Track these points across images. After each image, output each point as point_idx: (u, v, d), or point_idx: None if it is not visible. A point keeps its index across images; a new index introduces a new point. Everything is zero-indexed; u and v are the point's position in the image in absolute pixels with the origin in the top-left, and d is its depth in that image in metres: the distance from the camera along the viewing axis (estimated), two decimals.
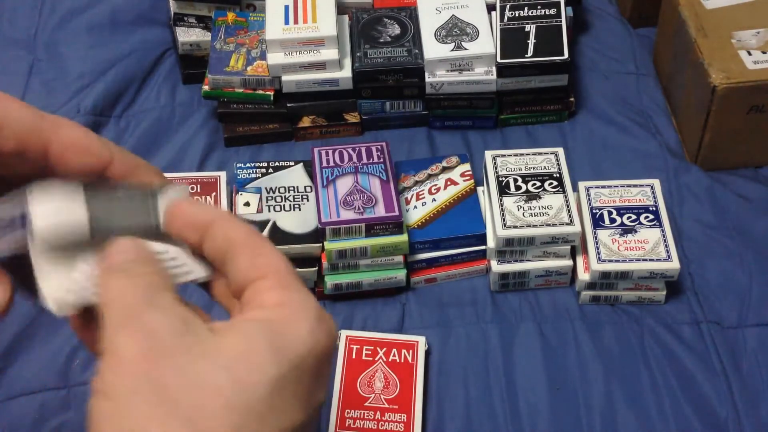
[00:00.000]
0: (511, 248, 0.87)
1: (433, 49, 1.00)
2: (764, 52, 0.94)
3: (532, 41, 1.00)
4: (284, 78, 1.01)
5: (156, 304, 0.39)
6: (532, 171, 0.90)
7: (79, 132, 0.46)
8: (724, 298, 0.88)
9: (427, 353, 0.85)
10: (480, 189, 0.94)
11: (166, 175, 0.95)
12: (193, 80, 1.09)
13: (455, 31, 1.02)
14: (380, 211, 0.85)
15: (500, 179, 0.90)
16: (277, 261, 0.43)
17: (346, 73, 1.01)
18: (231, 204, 0.92)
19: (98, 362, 0.39)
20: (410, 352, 0.84)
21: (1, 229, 0.43)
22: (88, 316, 0.45)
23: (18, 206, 0.43)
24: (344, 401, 0.80)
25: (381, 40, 1.03)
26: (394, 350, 0.84)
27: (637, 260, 0.85)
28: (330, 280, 0.87)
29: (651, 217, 0.88)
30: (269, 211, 0.88)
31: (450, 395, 0.82)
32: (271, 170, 0.93)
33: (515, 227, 0.85)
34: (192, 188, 0.94)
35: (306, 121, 1.03)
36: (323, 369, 0.41)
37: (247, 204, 0.89)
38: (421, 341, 0.84)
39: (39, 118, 0.45)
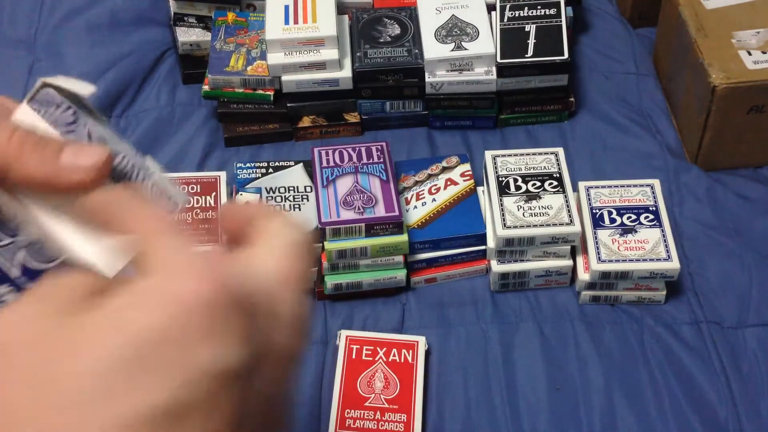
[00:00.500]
0: (511, 248, 0.87)
1: (433, 49, 1.00)
2: (764, 52, 0.94)
3: (532, 41, 1.00)
4: (284, 78, 1.01)
5: None
6: (532, 171, 0.90)
7: None
8: (724, 298, 0.88)
9: (427, 353, 0.85)
10: (480, 189, 0.94)
11: (166, 175, 0.95)
12: (193, 80, 1.09)
13: (455, 31, 1.02)
14: (380, 211, 0.86)
15: (500, 179, 0.90)
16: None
17: (346, 73, 1.01)
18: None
19: None
20: (410, 352, 0.84)
21: None
22: None
23: None
24: (344, 401, 0.80)
25: (381, 40, 1.03)
26: (394, 350, 0.84)
27: (637, 260, 0.85)
28: (330, 280, 0.87)
29: (651, 217, 0.88)
30: None
31: (450, 395, 0.82)
32: (271, 170, 0.93)
33: (515, 227, 0.85)
34: (192, 188, 0.94)
35: (306, 121, 1.03)
36: (201, 320, 0.31)
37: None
38: (421, 341, 0.84)
39: None
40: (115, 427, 0.30)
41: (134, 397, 0.30)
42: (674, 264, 0.85)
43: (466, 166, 0.95)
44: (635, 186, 0.91)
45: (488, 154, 0.92)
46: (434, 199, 0.92)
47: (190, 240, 0.35)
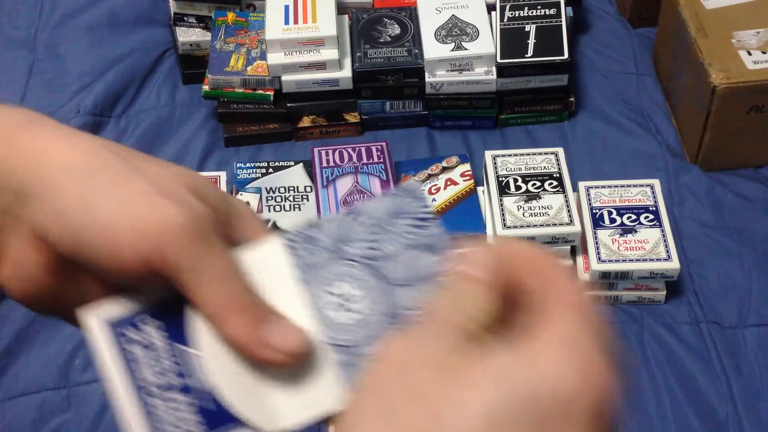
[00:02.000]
0: None
1: (433, 49, 1.00)
2: (764, 52, 0.94)
3: (532, 41, 1.00)
4: (284, 78, 1.01)
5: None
6: (532, 171, 0.90)
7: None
8: (724, 298, 0.88)
9: None
10: (480, 189, 0.94)
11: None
12: (193, 80, 1.09)
13: (455, 31, 1.02)
14: None
15: (500, 179, 0.90)
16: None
17: (346, 73, 1.01)
18: None
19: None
20: None
21: None
22: None
23: None
24: None
25: (381, 40, 1.03)
26: None
27: (637, 260, 0.85)
28: None
29: (651, 217, 0.88)
30: (269, 211, 0.88)
31: None
32: (271, 170, 0.93)
33: (515, 227, 0.85)
34: None
35: (306, 121, 1.03)
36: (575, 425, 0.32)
37: (247, 204, 0.89)
38: None
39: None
40: None
41: None
42: (674, 264, 0.85)
43: (466, 166, 0.95)
44: (635, 186, 0.91)
45: (488, 154, 0.92)
46: (434, 199, 0.92)
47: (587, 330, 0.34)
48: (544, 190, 0.88)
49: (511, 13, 1.03)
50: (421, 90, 1.01)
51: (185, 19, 1.09)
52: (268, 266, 0.39)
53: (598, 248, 0.86)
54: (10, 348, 0.85)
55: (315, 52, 1.00)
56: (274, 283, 0.38)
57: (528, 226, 0.85)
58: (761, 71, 0.91)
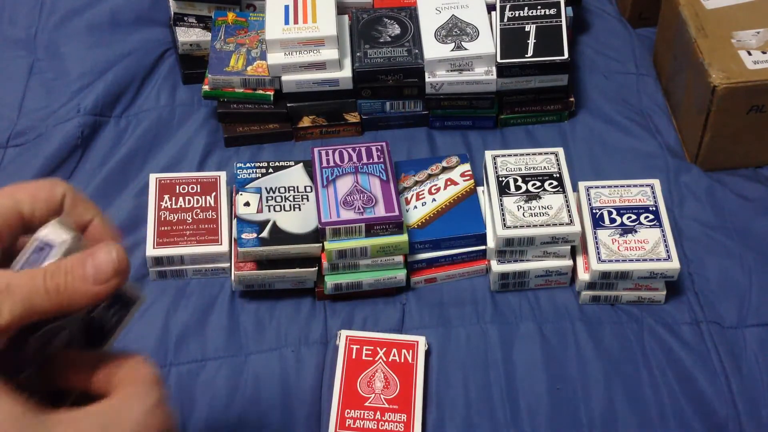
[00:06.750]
0: (511, 248, 0.87)
1: (433, 49, 1.00)
2: (764, 52, 0.94)
3: (532, 41, 1.00)
4: (284, 78, 1.01)
5: None
6: (532, 171, 0.90)
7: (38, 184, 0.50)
8: (724, 298, 0.88)
9: (427, 353, 0.85)
10: (480, 189, 0.94)
11: (166, 175, 0.95)
12: (193, 80, 1.09)
13: (455, 31, 1.02)
14: (380, 211, 0.86)
15: (500, 179, 0.90)
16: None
17: (346, 73, 1.01)
18: (231, 204, 0.92)
19: None
20: (410, 352, 0.84)
21: None
22: None
23: None
24: (344, 401, 0.80)
25: (381, 40, 1.03)
26: (394, 350, 0.84)
27: (637, 260, 0.85)
28: (330, 280, 0.87)
29: (651, 217, 0.88)
30: (269, 211, 0.88)
31: (450, 395, 0.82)
32: (271, 170, 0.93)
33: (515, 227, 0.85)
34: (192, 188, 0.94)
35: (306, 121, 1.03)
36: None
37: (247, 204, 0.89)
38: (421, 341, 0.84)
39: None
40: None
41: None
42: (674, 264, 0.85)
43: (466, 166, 0.95)
44: (635, 186, 0.91)
45: (488, 154, 0.92)
46: (434, 199, 0.92)
47: None
48: (544, 190, 0.89)
49: (511, 13, 1.03)
50: (421, 90, 1.01)
51: (185, 19, 1.09)
52: None
53: (598, 248, 0.86)
54: None
55: (315, 52, 1.00)
56: None
57: (528, 226, 0.85)
58: (761, 71, 0.91)
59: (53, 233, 0.48)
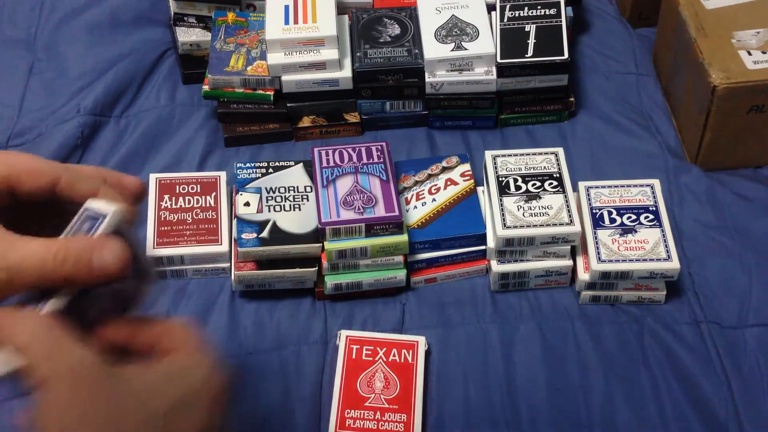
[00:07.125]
0: (511, 248, 0.87)
1: (433, 49, 1.00)
2: (764, 52, 0.94)
3: (532, 41, 1.00)
4: (284, 78, 1.01)
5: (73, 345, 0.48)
6: (532, 171, 0.90)
7: (28, 158, 0.53)
8: (724, 298, 0.88)
9: (427, 353, 0.85)
10: (480, 189, 0.94)
11: (166, 175, 0.95)
12: (193, 80, 1.09)
13: (455, 31, 1.02)
14: (380, 211, 0.85)
15: (500, 179, 0.90)
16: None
17: (346, 73, 1.01)
18: (231, 204, 0.92)
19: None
20: (410, 352, 0.84)
21: None
22: None
23: None
24: (344, 401, 0.80)
25: (381, 40, 1.03)
26: (394, 350, 0.84)
27: (637, 260, 0.85)
28: (330, 280, 0.87)
29: (651, 217, 0.88)
30: (269, 211, 0.88)
31: (450, 395, 0.82)
32: (271, 170, 0.93)
33: (515, 227, 0.85)
34: (192, 188, 0.94)
35: (306, 121, 1.03)
36: (215, 405, 0.51)
37: (247, 204, 0.89)
38: (421, 341, 0.84)
39: None
40: None
41: None
42: (674, 264, 0.85)
43: (466, 166, 0.95)
44: (635, 186, 0.91)
45: (488, 154, 0.92)
46: (434, 199, 0.92)
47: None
48: (544, 190, 0.89)
49: (511, 13, 1.03)
50: (421, 90, 1.01)
51: (185, 19, 1.09)
52: None
53: (598, 248, 0.86)
54: None
55: (315, 52, 1.00)
56: None
57: (528, 226, 0.85)
58: (761, 71, 0.91)
59: (102, 205, 0.52)
